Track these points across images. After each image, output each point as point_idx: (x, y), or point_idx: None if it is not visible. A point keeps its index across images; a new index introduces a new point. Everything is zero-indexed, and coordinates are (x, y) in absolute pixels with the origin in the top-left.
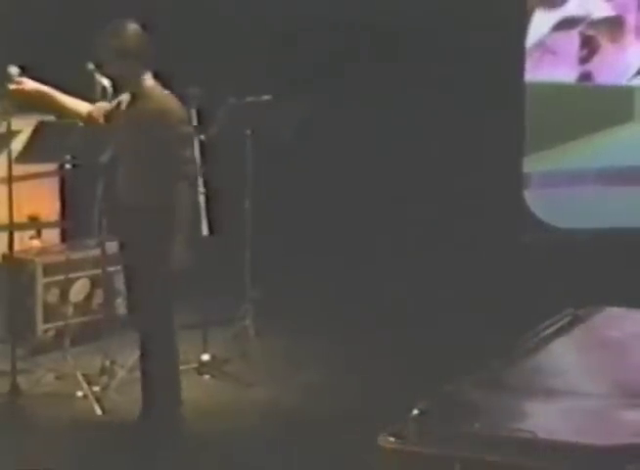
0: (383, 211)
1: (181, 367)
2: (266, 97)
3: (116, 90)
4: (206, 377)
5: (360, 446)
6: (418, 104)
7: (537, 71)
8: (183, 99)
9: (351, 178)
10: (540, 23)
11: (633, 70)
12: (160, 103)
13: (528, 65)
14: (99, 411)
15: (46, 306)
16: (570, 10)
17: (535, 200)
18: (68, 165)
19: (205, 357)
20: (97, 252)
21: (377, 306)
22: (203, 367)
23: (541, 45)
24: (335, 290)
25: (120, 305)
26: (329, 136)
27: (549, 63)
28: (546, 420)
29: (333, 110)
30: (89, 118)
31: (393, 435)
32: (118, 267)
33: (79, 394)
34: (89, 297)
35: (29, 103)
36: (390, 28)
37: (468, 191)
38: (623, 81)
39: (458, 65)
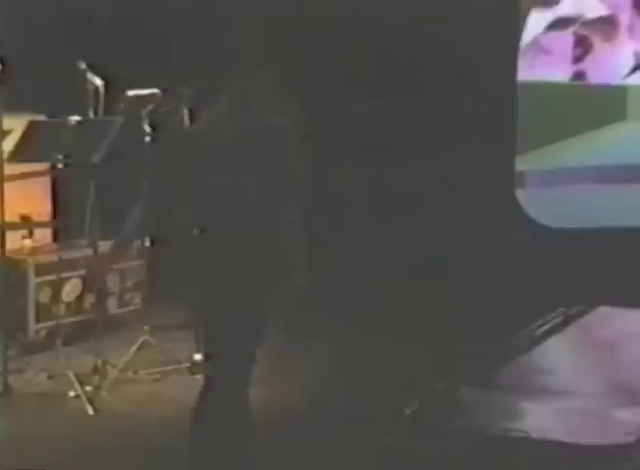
0: (374, 210)
1: (173, 367)
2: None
3: (109, 91)
4: (199, 377)
5: (355, 444)
6: (411, 103)
7: (532, 71)
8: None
9: (344, 177)
10: (534, 22)
11: (626, 70)
12: None
13: (523, 64)
14: (91, 411)
15: (38, 306)
16: (563, 10)
17: (528, 199)
18: (59, 165)
19: (198, 357)
20: (89, 251)
21: (371, 306)
22: (195, 367)
23: (535, 45)
24: (329, 289)
25: (112, 305)
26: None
27: (543, 62)
28: (539, 419)
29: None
30: None
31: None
32: (111, 267)
33: (71, 393)
34: (81, 296)
35: None
36: (382, 28)
37: (460, 190)
38: (616, 80)
39: (450, 65)
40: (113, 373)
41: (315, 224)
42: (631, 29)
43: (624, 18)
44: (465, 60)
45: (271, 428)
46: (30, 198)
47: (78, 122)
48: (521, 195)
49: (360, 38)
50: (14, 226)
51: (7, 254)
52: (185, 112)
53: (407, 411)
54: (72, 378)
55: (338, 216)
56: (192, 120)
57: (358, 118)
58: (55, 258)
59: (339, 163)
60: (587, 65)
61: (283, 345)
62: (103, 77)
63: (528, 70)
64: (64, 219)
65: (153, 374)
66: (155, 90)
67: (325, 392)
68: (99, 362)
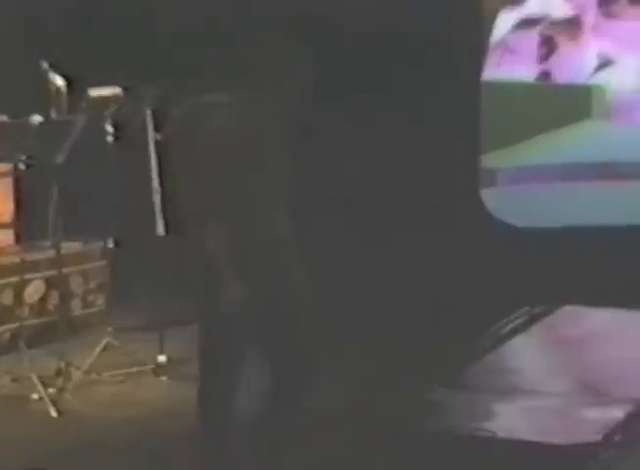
0: (335, 207)
1: (137, 368)
2: (223, 96)
3: (71, 90)
4: (163, 379)
5: (326, 445)
6: (376, 101)
7: (498, 70)
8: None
9: (307, 176)
10: (502, 22)
11: (590, 69)
12: None
13: (489, 63)
14: (54, 413)
15: (1, 308)
16: (529, 10)
17: (493, 198)
18: (22, 166)
19: (162, 359)
20: (52, 253)
21: (338, 307)
22: (159, 368)
23: (502, 44)
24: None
25: (76, 307)
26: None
27: (509, 62)
28: (506, 419)
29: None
30: None
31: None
32: (74, 269)
33: (35, 396)
34: (44, 298)
35: None
36: (349, 26)
37: (425, 190)
38: (581, 80)
39: (415, 63)
40: (76, 375)
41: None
42: (596, 30)
43: (589, 18)
44: (430, 59)
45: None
46: None
47: (40, 123)
48: (486, 194)
49: (323, 36)
50: None
51: None
52: (148, 112)
53: (379, 412)
54: (36, 380)
55: (300, 215)
56: (155, 121)
57: (321, 116)
58: (17, 259)
59: (302, 162)
60: (552, 64)
61: None
62: (65, 77)
63: (495, 70)
64: (26, 220)
65: (116, 376)
66: (117, 90)
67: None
68: (62, 364)
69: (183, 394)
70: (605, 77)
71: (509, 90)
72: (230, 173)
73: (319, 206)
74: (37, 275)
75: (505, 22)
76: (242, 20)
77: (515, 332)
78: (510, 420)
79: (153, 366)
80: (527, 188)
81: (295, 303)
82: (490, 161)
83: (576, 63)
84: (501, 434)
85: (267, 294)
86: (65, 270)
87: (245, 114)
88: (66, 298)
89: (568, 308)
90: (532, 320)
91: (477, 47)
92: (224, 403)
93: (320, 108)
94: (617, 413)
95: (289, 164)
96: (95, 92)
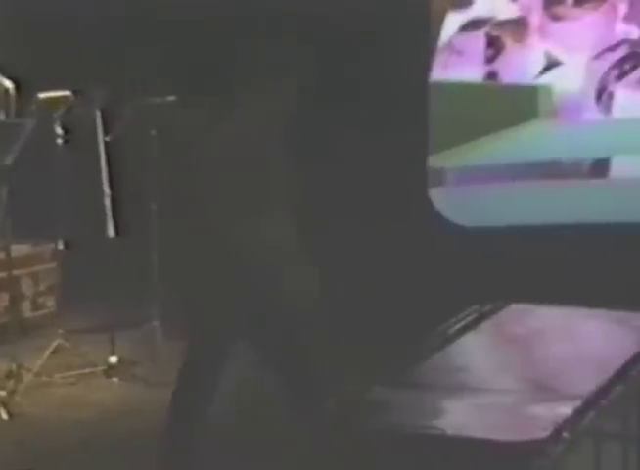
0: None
1: (88, 370)
2: (171, 97)
3: (20, 93)
4: (115, 380)
5: (269, 445)
6: (323, 102)
7: (445, 71)
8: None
9: (256, 176)
10: (449, 24)
11: (537, 70)
12: None
13: (437, 64)
14: (5, 416)
15: None
16: (476, 11)
17: (442, 198)
18: None
19: (113, 360)
20: (1, 255)
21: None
22: (111, 370)
23: (449, 45)
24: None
25: (27, 309)
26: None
27: (456, 63)
28: (455, 417)
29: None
30: None
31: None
32: (24, 271)
33: None
34: None
35: None
36: (294, 27)
37: (374, 189)
38: (528, 80)
39: (362, 64)
40: (27, 377)
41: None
42: (542, 30)
43: (535, 19)
44: (378, 59)
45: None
46: None
47: None
48: (434, 194)
49: (267, 36)
50: None
51: None
52: (97, 114)
53: (322, 411)
54: None
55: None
56: (104, 122)
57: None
58: None
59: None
60: (499, 65)
61: None
62: (13, 80)
63: (443, 71)
64: None
65: (68, 377)
66: (66, 92)
67: (238, 392)
68: (13, 366)
69: (134, 395)
70: (551, 78)
71: (456, 91)
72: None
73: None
74: None
75: (452, 23)
76: (188, 19)
77: (463, 330)
78: (458, 418)
79: (104, 368)
80: (475, 188)
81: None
82: (438, 161)
83: (523, 63)
84: (450, 431)
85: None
86: (15, 272)
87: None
88: (16, 300)
89: (515, 307)
90: (481, 319)
91: (424, 48)
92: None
93: (263, 108)
94: (565, 409)
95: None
96: (44, 94)
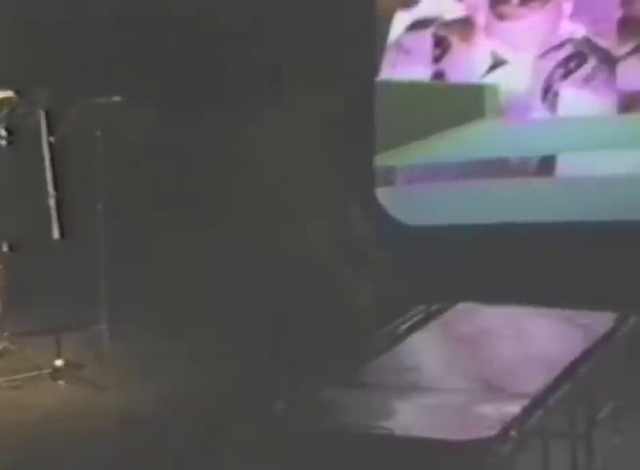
0: (236, 211)
1: (35, 373)
2: (116, 98)
3: None
4: (61, 383)
5: (215, 447)
6: (271, 101)
7: (393, 70)
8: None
9: (202, 178)
10: (397, 23)
11: (483, 69)
12: None
13: (386, 64)
14: None
15: None
16: (422, 11)
17: (389, 196)
18: None
19: (59, 363)
20: None
21: (231, 307)
22: (57, 373)
23: (397, 45)
24: (193, 292)
25: None
26: (179, 136)
27: (404, 62)
28: (404, 417)
29: (182, 110)
30: None
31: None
32: None
33: None
34: None
35: None
36: (239, 29)
37: (322, 189)
38: (474, 79)
39: (311, 63)
40: None
41: (175, 228)
42: (488, 30)
43: (481, 18)
44: (325, 58)
45: (125, 432)
46: None
47: None
48: (381, 193)
49: (211, 34)
50: None
51: None
52: (42, 114)
53: (272, 412)
54: None
55: (196, 217)
56: (49, 123)
57: (216, 113)
58: None
59: (191, 163)
60: (446, 64)
61: (141, 348)
62: None
63: (391, 70)
64: None
65: (13, 381)
66: (10, 93)
67: (185, 395)
68: None
69: (80, 397)
70: (497, 77)
71: (404, 90)
72: None
73: (221, 207)
74: None
75: (399, 22)
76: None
77: (411, 330)
78: (407, 417)
79: (50, 371)
80: (423, 187)
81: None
82: (386, 160)
83: (469, 63)
84: (398, 431)
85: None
86: None
87: None
88: None
89: (462, 306)
90: (428, 318)
91: (371, 47)
92: None
93: (212, 107)
94: (513, 408)
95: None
96: None
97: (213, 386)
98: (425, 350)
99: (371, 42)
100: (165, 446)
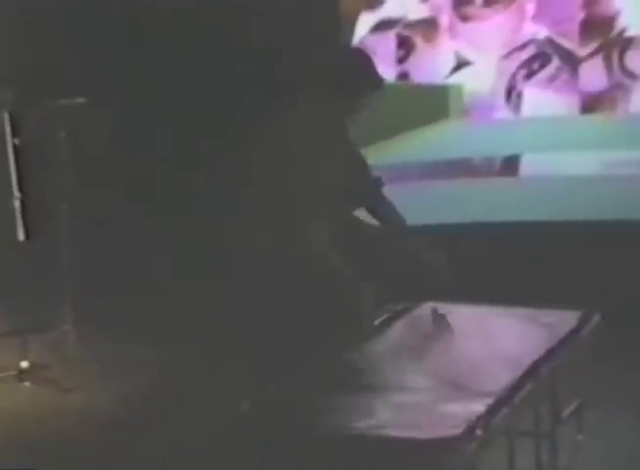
0: (199, 212)
1: (0, 375)
2: (81, 99)
3: None
4: (27, 384)
5: (180, 448)
6: (230, 103)
7: None
8: None
9: (166, 179)
10: (360, 24)
11: (447, 69)
12: None
13: None
14: None
15: None
16: (387, 11)
17: None
18: None
19: (25, 364)
20: None
21: (195, 308)
22: (22, 374)
23: (361, 46)
24: (158, 293)
25: None
26: (145, 138)
27: None
28: (371, 416)
29: (148, 111)
30: None
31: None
32: None
33: None
34: None
35: None
36: (201, 27)
37: (284, 189)
38: (439, 80)
39: (272, 64)
40: None
41: (141, 228)
42: (451, 30)
43: (444, 19)
44: (287, 59)
45: (94, 432)
46: None
47: None
48: None
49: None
50: None
51: None
52: (6, 116)
53: (237, 414)
54: None
55: (164, 219)
56: (12, 125)
57: (181, 113)
58: None
59: (159, 164)
60: (410, 65)
61: (108, 349)
62: None
63: None
64: None
65: None
66: None
67: (151, 396)
68: None
69: (46, 399)
70: (461, 77)
71: None
72: None
73: (180, 206)
74: None
75: (364, 23)
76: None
77: (378, 329)
78: (373, 417)
79: (15, 372)
80: (387, 187)
81: None
82: None
83: (433, 63)
84: (363, 431)
85: None
86: None
87: None
88: None
89: (428, 305)
90: (395, 318)
91: (335, 47)
92: None
93: (177, 107)
94: (478, 407)
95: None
96: None
97: (179, 387)
98: (390, 349)
99: (336, 42)
100: (130, 448)
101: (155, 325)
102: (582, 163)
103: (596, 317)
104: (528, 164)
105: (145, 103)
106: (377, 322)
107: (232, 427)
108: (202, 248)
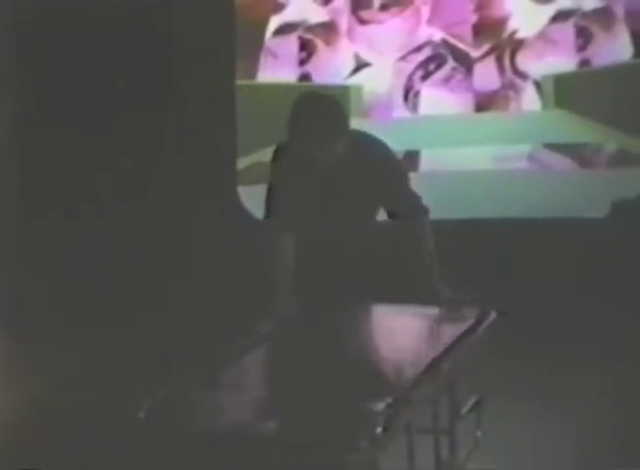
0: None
1: None
2: None
3: None
4: None
5: (86, 450)
6: (135, 102)
7: (264, 73)
8: None
9: (67, 177)
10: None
11: (347, 71)
12: None
13: (257, 67)
14: None
15: None
16: (288, 15)
17: (251, 196)
18: None
19: None
20: None
21: (108, 310)
22: None
23: (265, 49)
24: (69, 294)
25: None
26: (42, 133)
27: (272, 65)
28: (268, 416)
29: (42, 107)
30: None
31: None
32: None
33: None
34: None
35: None
36: (100, 28)
37: (184, 189)
38: (339, 81)
39: (173, 66)
40: None
41: (49, 228)
42: (350, 33)
43: (343, 23)
44: (188, 61)
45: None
46: None
47: None
48: (243, 192)
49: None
50: None
51: None
52: None
53: (140, 414)
54: None
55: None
56: None
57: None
58: None
59: (61, 160)
60: (312, 67)
61: (8, 352)
62: None
63: (262, 73)
64: None
65: None
66: None
67: (53, 400)
68: None
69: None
70: (361, 78)
71: (270, 92)
72: None
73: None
74: None
75: (269, 27)
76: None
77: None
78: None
79: None
80: None
81: None
82: (251, 161)
83: (334, 65)
84: (263, 431)
85: None
86: None
87: None
88: None
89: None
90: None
91: (232, 50)
92: None
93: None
94: (377, 405)
95: None
96: None
97: (83, 390)
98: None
99: (233, 45)
100: (37, 449)
101: (61, 325)
102: (476, 158)
103: (493, 314)
104: (427, 161)
105: (41, 99)
106: (274, 323)
107: (132, 428)
108: (102, 248)
